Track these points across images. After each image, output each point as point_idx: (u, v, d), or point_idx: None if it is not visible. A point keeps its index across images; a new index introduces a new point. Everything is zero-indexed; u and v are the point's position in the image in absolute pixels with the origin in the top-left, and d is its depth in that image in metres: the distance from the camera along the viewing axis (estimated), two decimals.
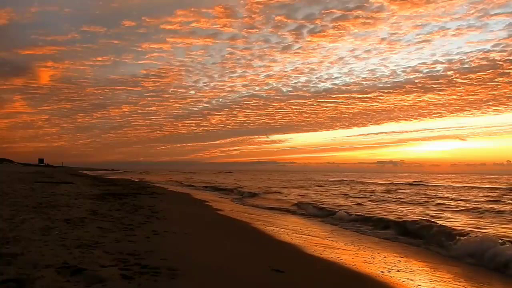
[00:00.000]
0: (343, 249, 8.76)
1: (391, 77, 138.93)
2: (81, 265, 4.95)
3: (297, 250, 8.02)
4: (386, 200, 23.42)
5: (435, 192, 31.21)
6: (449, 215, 16.03)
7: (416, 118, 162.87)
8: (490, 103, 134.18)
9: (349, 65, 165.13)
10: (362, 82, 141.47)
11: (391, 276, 6.34)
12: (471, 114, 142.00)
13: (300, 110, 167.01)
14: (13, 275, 4.39)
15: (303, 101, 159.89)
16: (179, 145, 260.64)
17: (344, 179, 62.77)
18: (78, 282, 4.32)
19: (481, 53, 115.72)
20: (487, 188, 37.70)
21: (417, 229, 11.40)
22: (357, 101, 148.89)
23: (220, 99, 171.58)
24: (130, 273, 4.81)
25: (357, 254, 8.36)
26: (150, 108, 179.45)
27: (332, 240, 10.01)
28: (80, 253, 5.68)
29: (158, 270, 5.03)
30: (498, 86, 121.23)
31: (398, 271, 6.86)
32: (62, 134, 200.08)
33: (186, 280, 4.81)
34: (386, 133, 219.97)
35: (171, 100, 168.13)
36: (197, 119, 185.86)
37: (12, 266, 4.75)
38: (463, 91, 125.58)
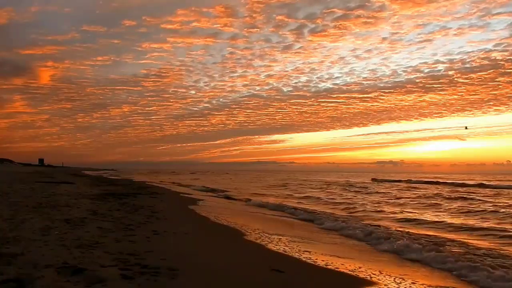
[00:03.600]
0: None
1: (392, 76, 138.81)
2: (81, 265, 4.95)
3: (296, 251, 8.02)
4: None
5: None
6: None
7: (416, 118, 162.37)
8: (491, 103, 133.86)
9: (350, 65, 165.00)
10: (363, 82, 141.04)
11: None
12: (472, 114, 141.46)
13: (301, 110, 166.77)
14: (13, 275, 4.39)
15: (304, 101, 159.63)
16: (179, 145, 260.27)
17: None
18: (78, 282, 4.32)
19: (482, 52, 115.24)
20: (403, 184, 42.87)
21: None
22: (358, 101, 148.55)
23: (221, 99, 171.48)
24: (130, 273, 4.81)
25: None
26: (150, 108, 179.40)
27: None
28: (80, 253, 5.68)
29: (158, 270, 5.04)
30: (499, 86, 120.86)
31: None
32: (62, 134, 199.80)
33: (186, 280, 4.82)
34: (386, 133, 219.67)
35: (171, 100, 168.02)
36: (197, 119, 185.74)
37: (12, 266, 4.75)
38: (464, 91, 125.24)
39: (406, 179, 57.11)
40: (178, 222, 10.51)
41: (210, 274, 5.37)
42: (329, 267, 6.74)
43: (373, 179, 59.29)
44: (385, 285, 5.82)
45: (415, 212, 17.12)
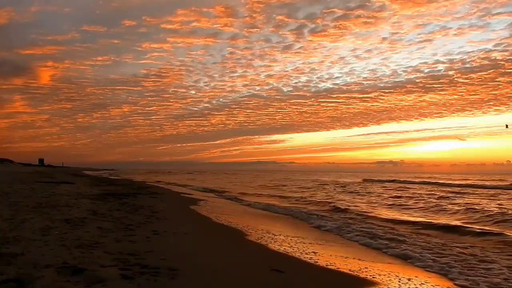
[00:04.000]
0: None
1: (392, 76, 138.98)
2: (81, 265, 4.95)
3: (295, 250, 8.03)
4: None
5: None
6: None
7: (416, 118, 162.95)
8: (491, 103, 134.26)
9: (350, 65, 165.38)
10: (363, 82, 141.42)
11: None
12: (472, 114, 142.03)
13: (301, 110, 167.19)
14: (13, 275, 4.39)
15: (304, 101, 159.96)
16: (179, 145, 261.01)
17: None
18: (78, 282, 4.32)
19: (482, 52, 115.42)
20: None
21: None
22: (358, 101, 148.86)
23: (221, 99, 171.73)
24: (130, 273, 4.81)
25: None
26: (150, 108, 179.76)
27: None
28: (80, 253, 5.68)
29: (158, 270, 5.04)
30: (499, 86, 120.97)
31: None
32: (62, 134, 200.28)
33: (186, 280, 4.81)
34: (386, 133, 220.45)
35: (172, 100, 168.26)
36: (197, 119, 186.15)
37: (12, 266, 4.75)
38: (464, 91, 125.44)
39: (395, 179, 58.91)
40: (178, 222, 10.51)
41: (210, 274, 5.37)
42: (329, 267, 6.74)
43: (364, 180, 60.06)
44: (385, 284, 5.82)
45: (399, 211, 17.49)
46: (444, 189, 34.72)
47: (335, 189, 34.00)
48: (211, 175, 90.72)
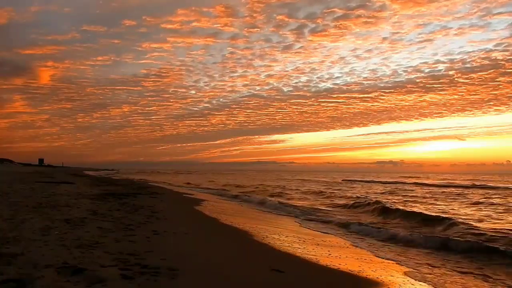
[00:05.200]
0: None
1: (392, 76, 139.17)
2: (81, 265, 4.94)
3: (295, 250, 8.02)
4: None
5: None
6: None
7: (417, 118, 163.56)
8: (491, 103, 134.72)
9: (350, 65, 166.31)
10: (363, 81, 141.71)
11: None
12: (472, 114, 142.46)
13: (301, 110, 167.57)
14: (13, 275, 4.39)
15: (304, 101, 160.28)
16: (179, 145, 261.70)
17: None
18: (78, 282, 4.32)
19: (483, 52, 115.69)
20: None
21: None
22: (358, 101, 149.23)
23: (221, 99, 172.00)
24: (130, 273, 4.81)
25: None
26: (150, 108, 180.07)
27: None
28: (80, 253, 5.67)
29: (158, 270, 5.03)
30: (500, 86, 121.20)
31: None
32: (62, 134, 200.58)
33: (186, 280, 4.81)
34: (386, 133, 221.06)
35: (172, 100, 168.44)
36: (197, 119, 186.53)
37: (12, 266, 4.75)
38: (465, 91, 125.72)
39: (374, 179, 62.24)
40: (178, 222, 10.50)
41: (210, 274, 5.37)
42: (330, 266, 6.74)
43: (344, 180, 62.33)
44: (387, 284, 5.81)
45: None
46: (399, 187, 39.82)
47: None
48: (201, 175, 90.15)
